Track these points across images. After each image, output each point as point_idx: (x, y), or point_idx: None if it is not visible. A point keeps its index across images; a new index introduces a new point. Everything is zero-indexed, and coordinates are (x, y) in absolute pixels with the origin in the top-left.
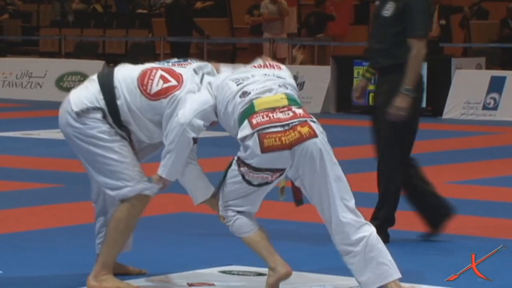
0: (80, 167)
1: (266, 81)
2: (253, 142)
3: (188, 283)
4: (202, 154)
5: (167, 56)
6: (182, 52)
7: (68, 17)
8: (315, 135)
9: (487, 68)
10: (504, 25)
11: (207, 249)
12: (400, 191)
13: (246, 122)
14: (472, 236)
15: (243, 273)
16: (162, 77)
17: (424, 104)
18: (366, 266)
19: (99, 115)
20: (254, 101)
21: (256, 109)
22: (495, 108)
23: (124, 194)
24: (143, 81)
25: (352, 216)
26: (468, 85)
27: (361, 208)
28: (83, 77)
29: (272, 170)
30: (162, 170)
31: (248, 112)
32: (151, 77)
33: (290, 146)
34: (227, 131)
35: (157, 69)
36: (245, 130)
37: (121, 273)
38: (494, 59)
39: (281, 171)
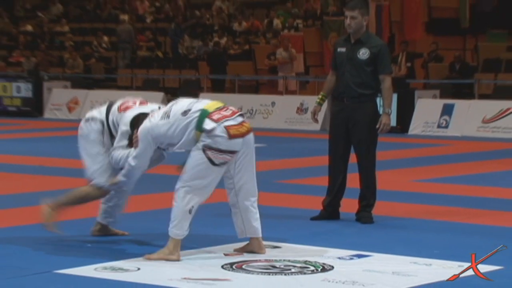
0: None
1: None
2: (221, 132)
3: (224, 253)
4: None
5: (209, 89)
6: (219, 86)
7: (127, 61)
8: (252, 129)
9: (441, 97)
10: (452, 67)
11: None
12: None
13: (207, 120)
14: (431, 220)
15: None
16: (134, 102)
17: (395, 123)
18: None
19: (99, 126)
20: (203, 107)
21: (210, 110)
22: (446, 126)
23: (93, 181)
24: (124, 102)
25: (253, 200)
26: (427, 109)
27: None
28: None
29: (232, 152)
30: (123, 180)
31: (203, 115)
32: (130, 100)
33: (243, 135)
34: (180, 148)
35: (138, 99)
36: (210, 124)
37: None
38: (446, 91)
39: (235, 153)
